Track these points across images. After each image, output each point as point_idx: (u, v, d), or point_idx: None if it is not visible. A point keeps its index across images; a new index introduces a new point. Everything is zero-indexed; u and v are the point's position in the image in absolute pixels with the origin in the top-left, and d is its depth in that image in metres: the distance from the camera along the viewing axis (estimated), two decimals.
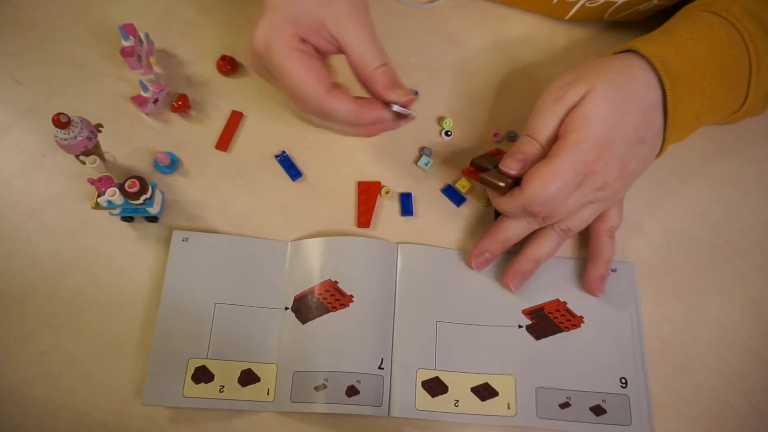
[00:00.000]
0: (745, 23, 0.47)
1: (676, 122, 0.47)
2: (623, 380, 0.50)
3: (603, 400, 0.49)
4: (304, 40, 0.44)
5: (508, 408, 0.48)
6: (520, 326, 0.51)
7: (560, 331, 0.51)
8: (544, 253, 0.50)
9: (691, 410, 0.50)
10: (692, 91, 0.47)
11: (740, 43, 0.47)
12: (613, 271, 0.53)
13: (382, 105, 0.46)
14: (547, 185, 0.44)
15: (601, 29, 0.64)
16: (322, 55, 0.46)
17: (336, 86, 0.44)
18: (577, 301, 0.52)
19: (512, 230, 0.50)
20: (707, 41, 0.47)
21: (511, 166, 0.47)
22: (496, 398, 0.49)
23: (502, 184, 0.47)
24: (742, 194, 0.57)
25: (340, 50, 0.45)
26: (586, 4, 0.59)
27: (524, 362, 0.50)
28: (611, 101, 0.45)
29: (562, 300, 0.52)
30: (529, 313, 0.51)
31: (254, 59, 0.46)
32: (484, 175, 0.48)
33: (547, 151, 0.46)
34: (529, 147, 0.47)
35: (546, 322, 0.51)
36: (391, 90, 0.45)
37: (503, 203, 0.48)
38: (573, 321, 0.52)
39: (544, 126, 0.46)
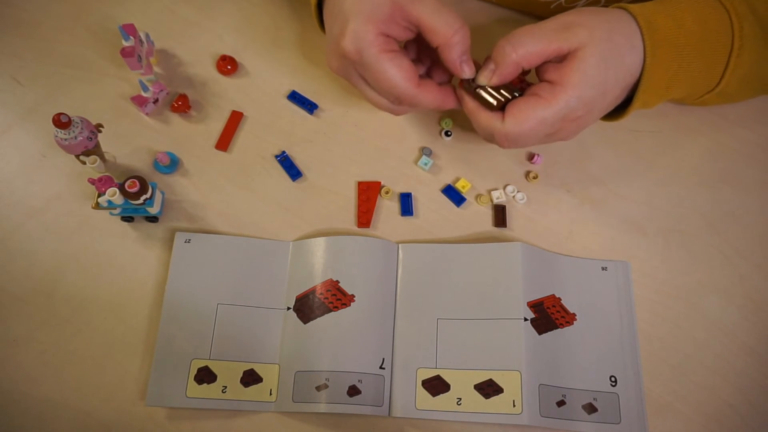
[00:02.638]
0: (735, 3, 0.48)
1: (648, 85, 0.48)
2: (613, 378, 0.50)
3: (594, 398, 0.49)
4: (387, 36, 0.47)
5: (514, 406, 0.47)
6: (525, 319, 0.50)
7: (556, 327, 0.51)
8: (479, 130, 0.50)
9: (690, 410, 0.50)
10: (671, 57, 0.47)
11: (727, 22, 0.48)
12: (604, 270, 0.54)
13: (454, 92, 0.49)
14: (528, 129, 0.46)
15: None
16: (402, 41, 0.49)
17: (423, 79, 0.48)
18: (570, 298, 0.52)
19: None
20: (695, 13, 0.48)
21: (480, 78, 0.47)
22: (500, 395, 0.48)
23: (493, 101, 0.47)
24: (742, 194, 0.57)
25: (417, 30, 0.47)
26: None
27: (529, 357, 0.49)
28: (605, 63, 0.46)
29: (557, 296, 0.52)
30: (533, 306, 0.51)
31: (342, 64, 0.49)
32: (481, 89, 0.48)
33: (519, 67, 0.46)
34: (501, 56, 0.46)
35: (545, 316, 0.51)
36: (462, 66, 0.47)
37: (481, 120, 0.48)
38: (567, 318, 0.52)
39: (532, 45, 0.46)
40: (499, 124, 0.47)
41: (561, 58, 0.46)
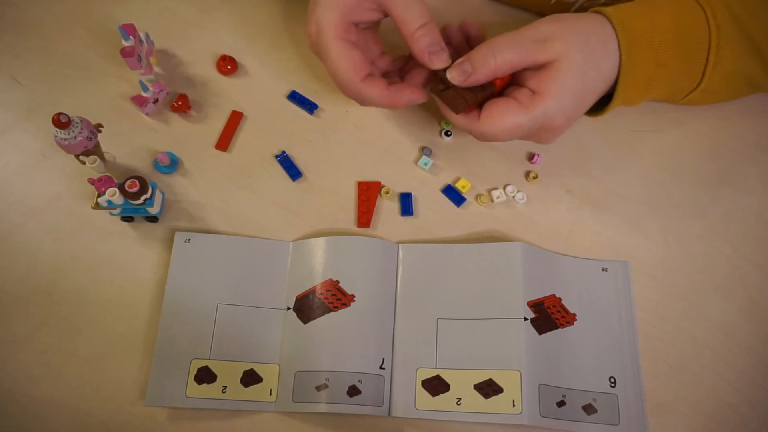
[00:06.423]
0: (712, 2, 0.49)
1: (627, 83, 0.49)
2: (612, 380, 0.50)
3: (594, 399, 0.49)
4: (351, 23, 0.48)
5: (513, 405, 0.47)
6: (525, 319, 0.50)
7: (556, 327, 0.51)
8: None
9: (690, 410, 0.50)
10: (647, 56, 0.49)
11: (703, 20, 0.49)
12: (604, 270, 0.54)
13: (412, 88, 0.50)
14: (502, 131, 0.48)
15: None
16: (372, 25, 0.52)
17: (371, 75, 0.49)
18: (571, 298, 0.52)
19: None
20: (671, 14, 0.49)
21: (453, 76, 0.48)
22: (500, 395, 0.48)
23: (461, 106, 0.48)
24: (742, 194, 0.57)
25: (386, 13, 0.49)
26: (585, 5, 0.59)
27: (529, 357, 0.49)
28: (583, 73, 0.47)
29: (558, 296, 0.52)
30: (533, 305, 0.51)
31: (309, 41, 0.51)
32: (448, 92, 0.49)
33: (494, 75, 0.47)
34: (481, 62, 0.47)
35: (545, 316, 0.51)
36: (430, 57, 0.48)
37: (456, 119, 0.50)
38: (567, 318, 0.51)
39: (511, 55, 0.47)
40: (475, 123, 0.48)
41: (538, 66, 0.47)
